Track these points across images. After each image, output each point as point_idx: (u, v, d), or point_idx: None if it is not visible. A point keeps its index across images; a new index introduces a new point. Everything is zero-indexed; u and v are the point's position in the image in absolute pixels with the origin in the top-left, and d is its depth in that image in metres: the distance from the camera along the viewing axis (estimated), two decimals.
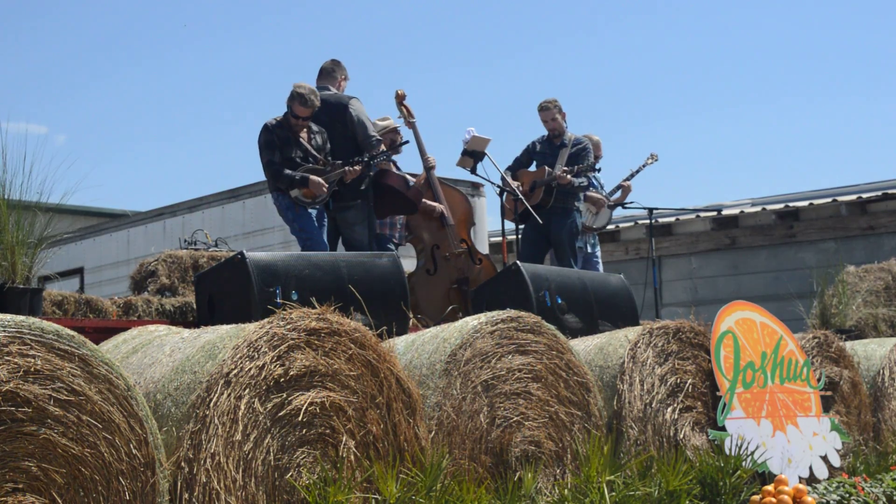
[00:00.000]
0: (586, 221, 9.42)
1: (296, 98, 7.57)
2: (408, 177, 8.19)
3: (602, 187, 9.80)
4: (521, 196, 8.43)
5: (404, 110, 8.63)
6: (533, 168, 9.17)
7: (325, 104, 7.96)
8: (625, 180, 9.93)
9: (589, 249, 9.55)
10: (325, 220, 7.87)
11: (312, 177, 7.50)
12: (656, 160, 10.07)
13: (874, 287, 11.01)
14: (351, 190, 7.74)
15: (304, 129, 7.73)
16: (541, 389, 5.43)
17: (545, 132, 9.22)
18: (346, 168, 7.57)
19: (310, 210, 7.65)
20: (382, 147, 7.96)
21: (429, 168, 8.62)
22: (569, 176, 8.76)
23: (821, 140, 33.99)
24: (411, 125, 8.64)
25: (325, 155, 7.73)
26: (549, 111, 9.10)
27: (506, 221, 8.83)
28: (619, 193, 9.90)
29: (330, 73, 8.22)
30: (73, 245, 15.50)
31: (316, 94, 7.64)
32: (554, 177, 8.79)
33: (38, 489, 3.69)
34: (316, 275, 5.80)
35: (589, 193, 9.45)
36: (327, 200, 7.73)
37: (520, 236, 8.68)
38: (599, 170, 9.45)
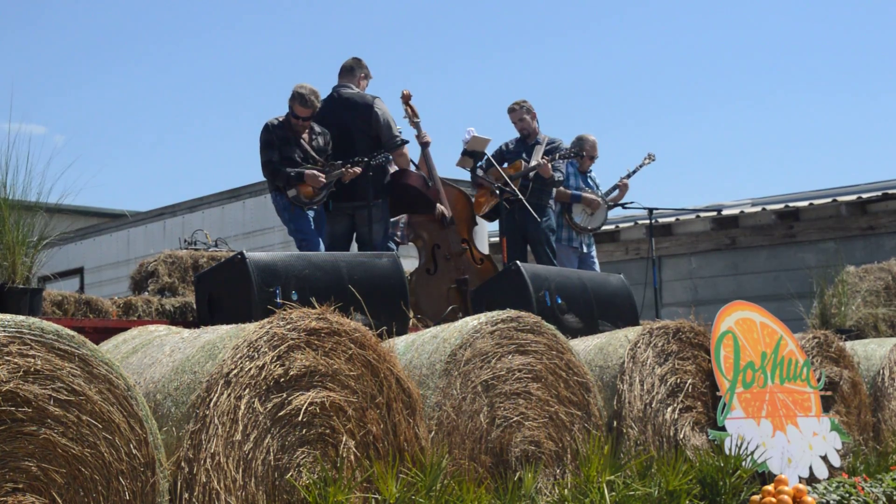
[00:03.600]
0: (581, 223, 9.42)
1: (296, 98, 7.57)
2: (426, 177, 8.21)
3: (598, 187, 9.80)
4: (521, 196, 8.44)
5: (409, 110, 8.65)
6: (506, 165, 9.15)
7: (347, 102, 7.95)
8: (622, 179, 9.95)
9: (584, 249, 9.54)
10: (324, 222, 7.84)
11: (308, 171, 7.50)
12: (654, 160, 10.11)
13: (874, 287, 11.00)
14: (375, 187, 7.70)
15: (306, 131, 7.72)
16: (541, 389, 5.42)
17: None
18: (344, 169, 7.57)
19: (308, 211, 7.64)
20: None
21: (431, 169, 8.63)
22: (549, 165, 8.78)
23: (821, 140, 34.01)
24: (415, 125, 8.66)
25: (325, 157, 7.73)
26: (516, 112, 9.21)
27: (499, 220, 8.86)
28: (616, 192, 9.92)
29: (350, 71, 8.20)
30: (73, 245, 15.52)
31: (317, 94, 7.63)
32: (533, 167, 8.79)
33: (38, 489, 3.69)
34: (316, 275, 5.79)
35: (584, 195, 9.45)
36: (325, 201, 7.72)
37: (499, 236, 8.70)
38: (576, 154, 9.41)
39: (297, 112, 7.58)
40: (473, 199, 8.84)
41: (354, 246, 8.18)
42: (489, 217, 8.93)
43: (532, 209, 8.57)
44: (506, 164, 9.08)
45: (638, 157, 10.31)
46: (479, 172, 8.71)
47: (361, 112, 7.94)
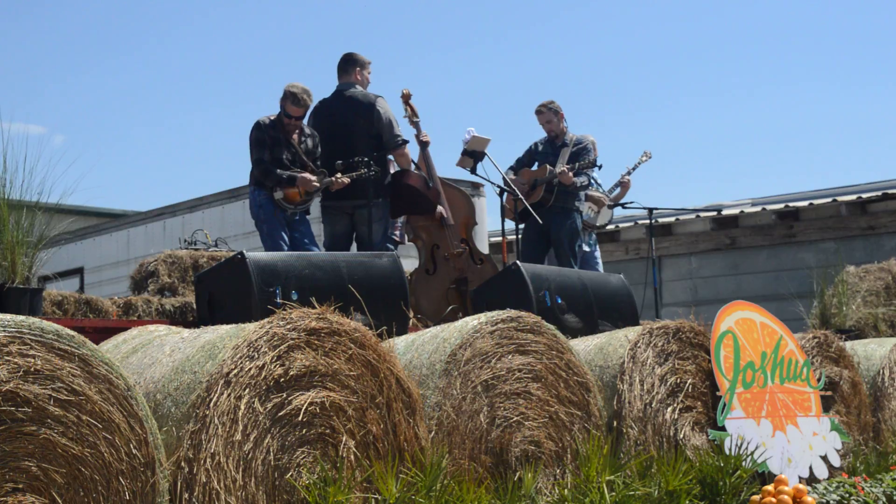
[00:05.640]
0: (588, 219, 9.45)
1: (288, 97, 7.55)
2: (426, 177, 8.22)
3: (599, 185, 9.84)
4: (521, 196, 8.45)
5: (409, 109, 8.65)
6: (535, 168, 9.20)
7: (350, 101, 7.96)
8: (624, 177, 10.00)
9: (587, 248, 9.56)
10: (299, 224, 7.78)
11: (300, 175, 7.49)
12: (650, 157, 10.19)
13: (874, 287, 11.00)
14: (375, 187, 7.70)
15: (296, 131, 7.71)
16: (541, 389, 5.42)
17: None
18: (334, 178, 7.55)
19: (287, 215, 7.60)
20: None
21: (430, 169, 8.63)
22: (570, 174, 8.79)
23: (821, 140, 34.02)
24: (415, 124, 8.66)
25: (314, 159, 7.71)
26: (543, 114, 9.20)
27: (506, 221, 8.85)
28: (618, 190, 9.97)
29: (345, 68, 8.20)
30: (73, 245, 15.49)
31: (309, 93, 7.62)
32: (556, 174, 8.81)
33: (38, 489, 3.69)
34: (316, 275, 5.80)
35: (590, 192, 9.48)
36: (307, 208, 7.72)
37: (520, 236, 8.69)
38: (601, 166, 9.47)
39: (290, 111, 7.56)
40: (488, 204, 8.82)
41: (354, 246, 8.18)
42: (517, 220, 8.93)
43: (558, 213, 8.75)
44: (536, 165, 9.12)
45: (636, 155, 10.38)
46: (481, 171, 8.70)
47: (363, 111, 7.94)
